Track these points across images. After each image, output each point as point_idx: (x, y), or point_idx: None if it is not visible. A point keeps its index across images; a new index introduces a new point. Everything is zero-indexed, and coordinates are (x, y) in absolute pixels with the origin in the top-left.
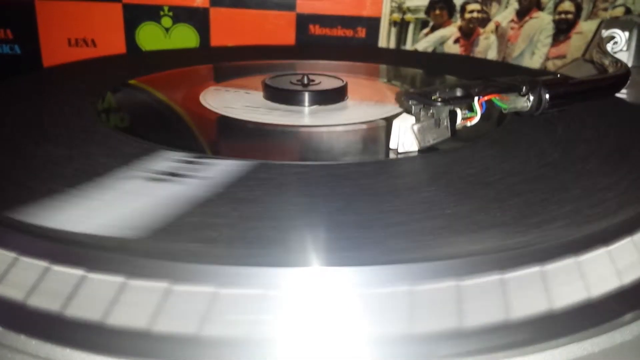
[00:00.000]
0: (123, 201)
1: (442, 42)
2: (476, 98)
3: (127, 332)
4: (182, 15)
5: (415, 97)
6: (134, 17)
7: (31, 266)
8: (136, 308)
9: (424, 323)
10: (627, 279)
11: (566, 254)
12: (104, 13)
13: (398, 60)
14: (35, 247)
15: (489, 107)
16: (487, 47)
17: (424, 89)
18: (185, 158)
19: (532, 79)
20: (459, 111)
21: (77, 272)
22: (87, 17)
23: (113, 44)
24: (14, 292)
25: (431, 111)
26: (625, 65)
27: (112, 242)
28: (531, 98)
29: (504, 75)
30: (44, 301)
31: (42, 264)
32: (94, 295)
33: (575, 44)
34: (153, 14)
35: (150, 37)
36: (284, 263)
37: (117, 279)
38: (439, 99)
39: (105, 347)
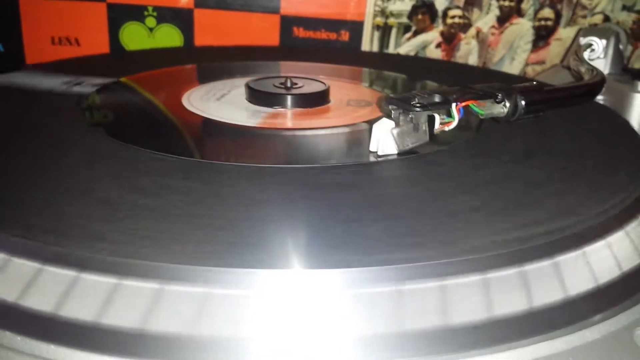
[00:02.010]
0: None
1: (424, 46)
2: (454, 104)
3: (116, 331)
4: (166, 15)
5: (394, 102)
6: (118, 17)
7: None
8: (126, 308)
9: (409, 322)
10: (599, 281)
11: (543, 256)
12: (88, 12)
13: (380, 63)
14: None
15: (466, 112)
16: (468, 52)
17: (404, 95)
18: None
19: (508, 86)
20: (437, 116)
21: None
22: (71, 15)
23: (97, 43)
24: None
25: (410, 116)
26: (601, 73)
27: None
28: (507, 104)
29: (483, 80)
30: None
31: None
32: (86, 295)
33: (554, 50)
34: (137, 13)
35: (134, 36)
36: (265, 265)
37: (110, 280)
38: (418, 105)
39: (94, 345)
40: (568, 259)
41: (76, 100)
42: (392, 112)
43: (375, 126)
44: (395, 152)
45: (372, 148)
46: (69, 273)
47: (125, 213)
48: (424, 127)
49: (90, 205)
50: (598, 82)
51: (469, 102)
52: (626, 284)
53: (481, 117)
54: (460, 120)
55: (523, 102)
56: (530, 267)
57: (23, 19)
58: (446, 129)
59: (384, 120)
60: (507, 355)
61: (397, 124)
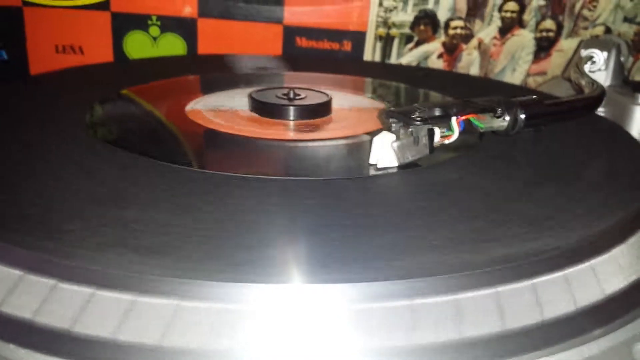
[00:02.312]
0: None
1: (426, 57)
2: (454, 117)
3: (129, 345)
4: (170, 24)
5: (395, 116)
6: (122, 26)
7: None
8: (146, 323)
9: (404, 338)
10: (597, 296)
11: (548, 271)
12: (92, 21)
13: (382, 73)
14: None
15: (467, 126)
16: (469, 62)
17: (404, 108)
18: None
19: (508, 99)
20: (437, 130)
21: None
22: (75, 24)
23: (100, 51)
24: None
25: (410, 129)
26: (601, 86)
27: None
28: (507, 118)
29: (485, 90)
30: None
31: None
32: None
33: (555, 61)
34: (141, 23)
35: (138, 45)
36: (262, 280)
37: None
38: (418, 118)
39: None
40: (567, 275)
41: None
42: (393, 125)
43: (376, 139)
44: (396, 165)
45: (372, 161)
46: (84, 290)
47: (126, 226)
48: (424, 140)
49: (92, 214)
50: (598, 96)
51: (469, 116)
52: (624, 300)
53: (481, 131)
54: (460, 133)
55: (523, 116)
56: (527, 284)
57: (27, 27)
58: (446, 142)
59: (385, 133)
60: None
61: (398, 137)
